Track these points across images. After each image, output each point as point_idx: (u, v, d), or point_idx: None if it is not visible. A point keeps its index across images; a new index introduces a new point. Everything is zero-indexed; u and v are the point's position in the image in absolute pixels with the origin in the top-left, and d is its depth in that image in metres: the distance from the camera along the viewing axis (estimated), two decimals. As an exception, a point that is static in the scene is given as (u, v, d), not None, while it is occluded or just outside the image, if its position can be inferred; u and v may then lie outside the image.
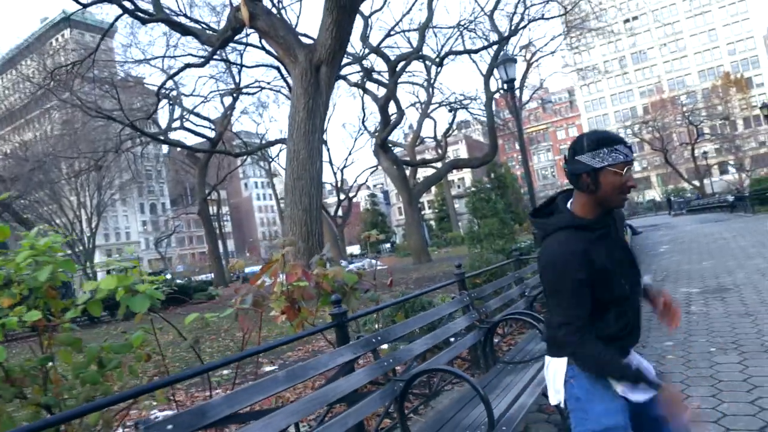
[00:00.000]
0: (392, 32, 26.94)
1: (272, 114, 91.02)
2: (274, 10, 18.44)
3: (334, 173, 45.76)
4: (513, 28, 25.07)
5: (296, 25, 23.17)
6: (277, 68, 26.17)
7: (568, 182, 1.88)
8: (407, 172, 31.59)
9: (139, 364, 2.74)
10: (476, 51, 25.88)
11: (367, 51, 25.88)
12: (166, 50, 42.40)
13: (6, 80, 48.54)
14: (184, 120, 33.76)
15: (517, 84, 19.83)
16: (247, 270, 48.32)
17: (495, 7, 25.20)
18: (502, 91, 26.92)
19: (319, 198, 12.86)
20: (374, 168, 50.57)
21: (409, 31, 28.22)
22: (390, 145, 29.18)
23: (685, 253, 13.45)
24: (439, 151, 37.67)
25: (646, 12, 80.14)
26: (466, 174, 78.19)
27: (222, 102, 34.72)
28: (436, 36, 38.86)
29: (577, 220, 1.74)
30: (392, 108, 26.97)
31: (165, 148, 50.73)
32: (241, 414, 1.90)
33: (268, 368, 5.88)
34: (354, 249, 67.68)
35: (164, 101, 28.93)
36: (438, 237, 56.72)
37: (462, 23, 26.38)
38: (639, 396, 1.71)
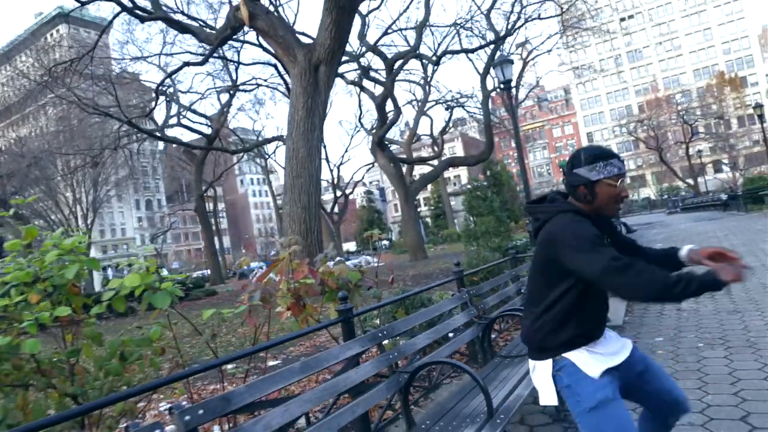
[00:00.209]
0: (389, 30, 27.08)
1: (269, 111, 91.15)
2: (272, 8, 18.54)
3: (331, 170, 45.82)
4: (509, 27, 25.23)
5: (294, 23, 23.27)
6: (275, 66, 26.25)
7: (565, 183, 2.04)
8: (404, 169, 31.77)
9: (157, 357, 2.89)
10: (473, 50, 26.04)
11: (364, 49, 26.01)
12: (163, 47, 42.37)
13: (1, 75, 48.37)
14: (180, 117, 33.80)
15: (513, 82, 20.00)
16: (243, 266, 48.35)
17: (491, 7, 25.38)
18: (498, 90, 27.07)
19: (317, 196, 13.02)
20: (370, 165, 50.71)
21: (406, 29, 28.38)
22: (387, 143, 29.34)
23: (677, 251, 13.66)
24: (436, 148, 37.82)
25: (642, 11, 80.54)
26: (462, 171, 78.35)
27: (219, 99, 34.82)
28: (432, 34, 39.06)
29: (575, 207, 1.90)
30: (389, 106, 27.14)
31: (161, 145, 50.70)
32: (262, 402, 2.06)
33: (271, 362, 6.04)
34: (350, 246, 67.81)
35: (161, 98, 28.92)
36: (434, 234, 56.92)
37: (459, 22, 26.55)
38: (617, 359, 1.91)
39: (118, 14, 18.34)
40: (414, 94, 59.71)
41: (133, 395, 2.24)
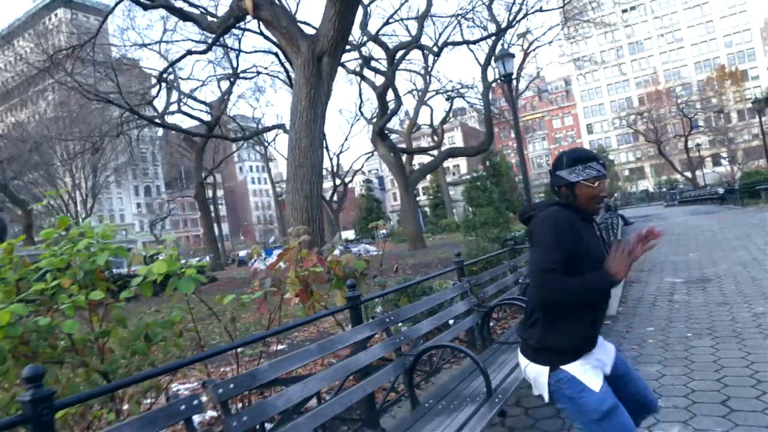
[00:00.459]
0: (391, 20, 27.07)
1: (269, 99, 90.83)
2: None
3: (330, 158, 45.86)
4: (511, 19, 25.26)
5: (296, 12, 23.25)
6: (276, 54, 26.29)
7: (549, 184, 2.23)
8: (403, 159, 31.89)
9: (180, 339, 3.10)
10: (474, 42, 26.09)
11: (365, 39, 26.02)
12: (164, 34, 42.23)
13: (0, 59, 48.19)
14: (181, 104, 33.83)
15: (514, 74, 20.02)
16: (241, 254, 48.65)
17: (493, -3, 25.37)
18: (499, 81, 27.14)
19: (319, 185, 13.20)
20: (370, 154, 50.81)
21: (407, 19, 28.39)
22: (387, 132, 29.45)
23: (673, 244, 13.89)
24: (435, 138, 37.90)
25: (644, 2, 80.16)
26: (462, 161, 78.42)
27: (219, 86, 34.83)
28: (434, 24, 39.02)
29: (562, 202, 2.05)
30: (390, 96, 27.21)
31: (160, 131, 50.72)
32: (283, 379, 2.27)
33: (277, 347, 6.25)
34: (348, 234, 67.97)
35: (162, 85, 28.94)
36: (433, 224, 57.12)
37: (460, 12, 26.57)
38: (608, 367, 2.05)
39: (120, 1, 18.38)
40: (414, 84, 59.56)
41: (160, 374, 2.45)
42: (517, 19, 25.57)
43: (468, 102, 35.81)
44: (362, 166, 59.45)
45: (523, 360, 2.11)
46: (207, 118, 33.60)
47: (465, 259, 6.49)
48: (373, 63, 27.91)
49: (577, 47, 56.01)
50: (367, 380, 2.74)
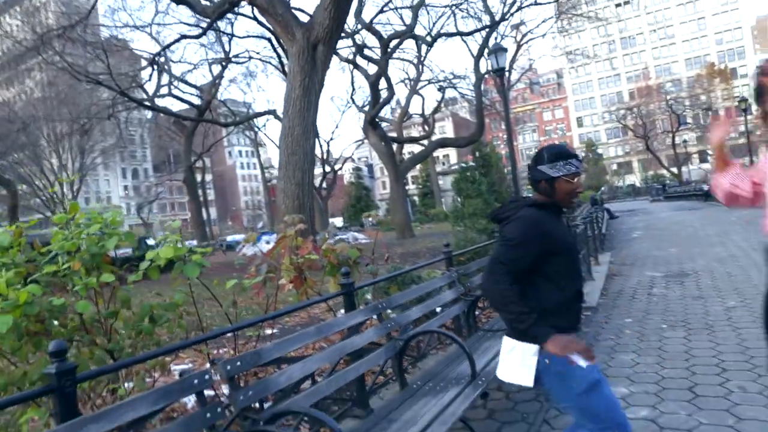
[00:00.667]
0: (385, 8, 27.08)
1: (260, 84, 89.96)
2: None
3: (320, 146, 45.73)
4: (505, 11, 25.37)
5: (290, -2, 23.15)
6: (269, 39, 26.21)
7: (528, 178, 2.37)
8: (394, 148, 32.01)
9: (182, 320, 3.27)
10: (468, 34, 26.19)
11: (359, 27, 26.00)
12: (155, 16, 41.71)
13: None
14: (172, 87, 33.61)
15: (506, 66, 20.10)
16: (229, 239, 48.60)
17: (488, -11, 25.44)
18: (491, 73, 27.28)
19: (311, 173, 13.33)
20: (360, 141, 50.84)
21: (402, 8, 28.36)
22: (378, 121, 29.53)
23: (656, 239, 14.24)
24: (426, 128, 38.04)
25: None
26: (452, 151, 78.54)
27: (210, 70, 34.58)
28: (428, 13, 38.92)
29: (536, 201, 2.17)
30: (382, 84, 27.25)
31: (149, 114, 50.34)
32: (285, 357, 2.45)
33: (268, 331, 6.44)
34: (337, 221, 68.05)
35: (153, 68, 28.71)
36: (421, 213, 57.37)
37: (455, 3, 26.60)
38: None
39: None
40: (407, 73, 59.58)
41: (171, 351, 2.63)
42: (511, 11, 25.71)
43: (460, 93, 35.97)
44: (352, 154, 59.51)
45: (508, 343, 2.18)
46: (197, 101, 33.43)
47: (453, 249, 6.70)
48: (367, 51, 27.92)
49: (570, 40, 56.18)
50: (360, 362, 2.93)
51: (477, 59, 26.78)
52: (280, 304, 6.97)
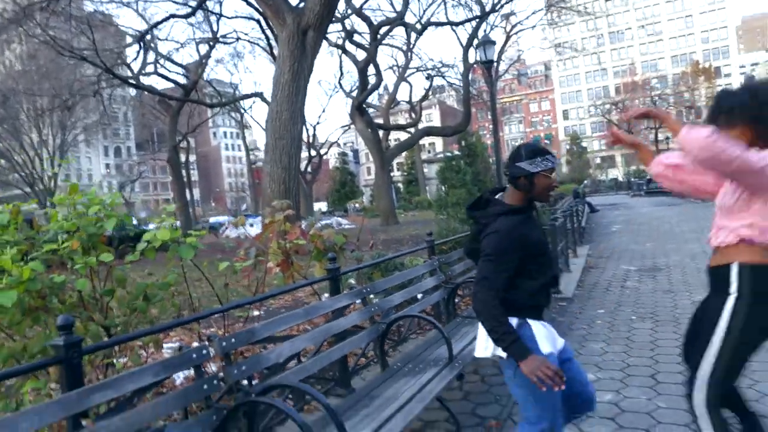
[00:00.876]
0: (376, -6, 26.94)
1: (248, 65, 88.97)
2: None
3: (307, 130, 45.57)
4: (496, 1, 25.44)
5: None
6: (258, 21, 25.98)
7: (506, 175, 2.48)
8: (380, 134, 32.08)
9: (175, 300, 3.41)
10: (458, 23, 26.24)
11: (349, 12, 25.91)
12: (142, -10, 40.82)
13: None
14: (158, 65, 33.17)
15: (495, 56, 20.20)
16: (212, 220, 48.30)
17: (479, -22, 25.49)
18: (479, 64, 27.40)
19: (298, 158, 13.42)
20: (347, 127, 50.72)
21: (393, -6, 28.26)
22: (365, 107, 29.56)
23: (633, 234, 14.63)
24: (413, 115, 38.14)
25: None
26: (438, 139, 78.75)
27: (197, 50, 34.15)
28: (419, 1, 38.85)
29: (511, 207, 2.29)
30: (371, 71, 27.26)
31: (133, 91, 49.56)
32: (275, 336, 2.62)
33: (255, 312, 6.60)
34: (321, 206, 68.05)
35: (140, 45, 28.31)
36: (406, 200, 57.64)
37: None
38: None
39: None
40: (396, 60, 59.39)
41: (169, 328, 2.78)
42: (501, 2, 25.79)
43: (447, 81, 36.04)
44: (338, 139, 59.36)
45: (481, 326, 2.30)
46: (183, 81, 33.03)
47: (436, 238, 6.89)
48: (356, 37, 27.88)
49: (559, 33, 56.44)
50: (344, 343, 3.11)
51: (466, 49, 26.88)
52: (266, 287, 7.13)
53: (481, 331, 2.33)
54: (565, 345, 2.45)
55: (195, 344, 3.03)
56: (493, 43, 11.29)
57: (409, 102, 38.92)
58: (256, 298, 3.07)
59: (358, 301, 3.63)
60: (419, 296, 4.87)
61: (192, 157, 66.87)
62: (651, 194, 39.89)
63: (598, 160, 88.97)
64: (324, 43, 29.98)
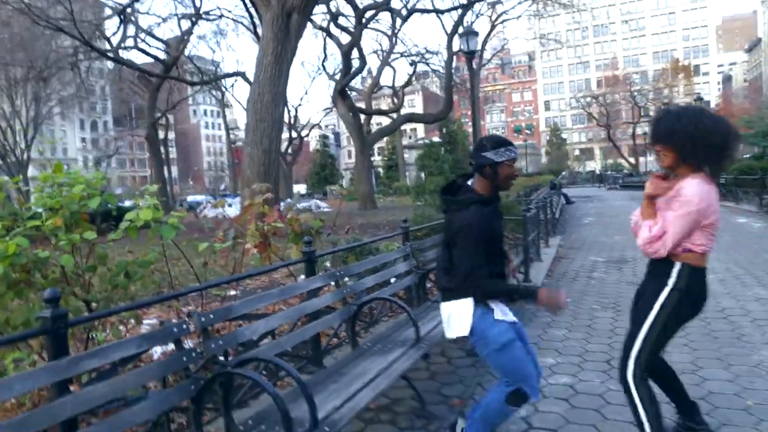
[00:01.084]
0: (362, -22, 26.77)
1: (230, 43, 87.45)
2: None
3: (288, 111, 45.22)
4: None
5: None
6: (242, -1, 25.65)
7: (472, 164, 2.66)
8: (362, 119, 32.07)
9: (155, 277, 3.54)
10: (444, 11, 26.26)
11: (335, -6, 25.74)
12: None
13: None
14: (138, 39, 32.54)
15: (479, 45, 20.34)
16: (190, 199, 47.80)
17: (466, -34, 25.50)
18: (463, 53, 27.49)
19: (278, 140, 13.45)
20: (329, 109, 50.47)
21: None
22: (348, 91, 29.50)
23: (605, 226, 15.03)
24: (396, 100, 38.15)
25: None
26: (419, 125, 78.81)
27: (179, 25, 33.59)
28: (406, -15, 38.54)
29: (482, 197, 2.49)
30: (355, 54, 27.16)
31: (112, 65, 48.47)
32: (251, 314, 2.78)
33: (232, 292, 6.72)
34: (300, 188, 67.75)
35: (121, 17, 27.72)
36: (385, 185, 57.74)
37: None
38: (511, 317, 2.62)
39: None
40: (380, 44, 59.02)
41: (146, 305, 2.91)
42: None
43: (431, 68, 36.10)
44: (320, 121, 59.04)
45: (445, 308, 2.54)
46: (164, 56, 32.51)
47: (411, 224, 7.08)
48: (341, 20, 27.71)
49: (544, 24, 56.69)
50: (317, 322, 3.29)
51: (450, 37, 26.95)
52: (243, 267, 7.26)
53: (452, 314, 2.53)
54: (522, 331, 2.68)
55: (174, 320, 3.17)
56: (476, 34, 11.44)
57: (392, 87, 38.88)
58: (234, 278, 3.22)
59: (332, 283, 3.79)
60: (392, 280, 5.05)
61: (171, 135, 65.88)
62: (626, 188, 40.74)
63: (577, 152, 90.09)
64: (308, 25, 29.77)
